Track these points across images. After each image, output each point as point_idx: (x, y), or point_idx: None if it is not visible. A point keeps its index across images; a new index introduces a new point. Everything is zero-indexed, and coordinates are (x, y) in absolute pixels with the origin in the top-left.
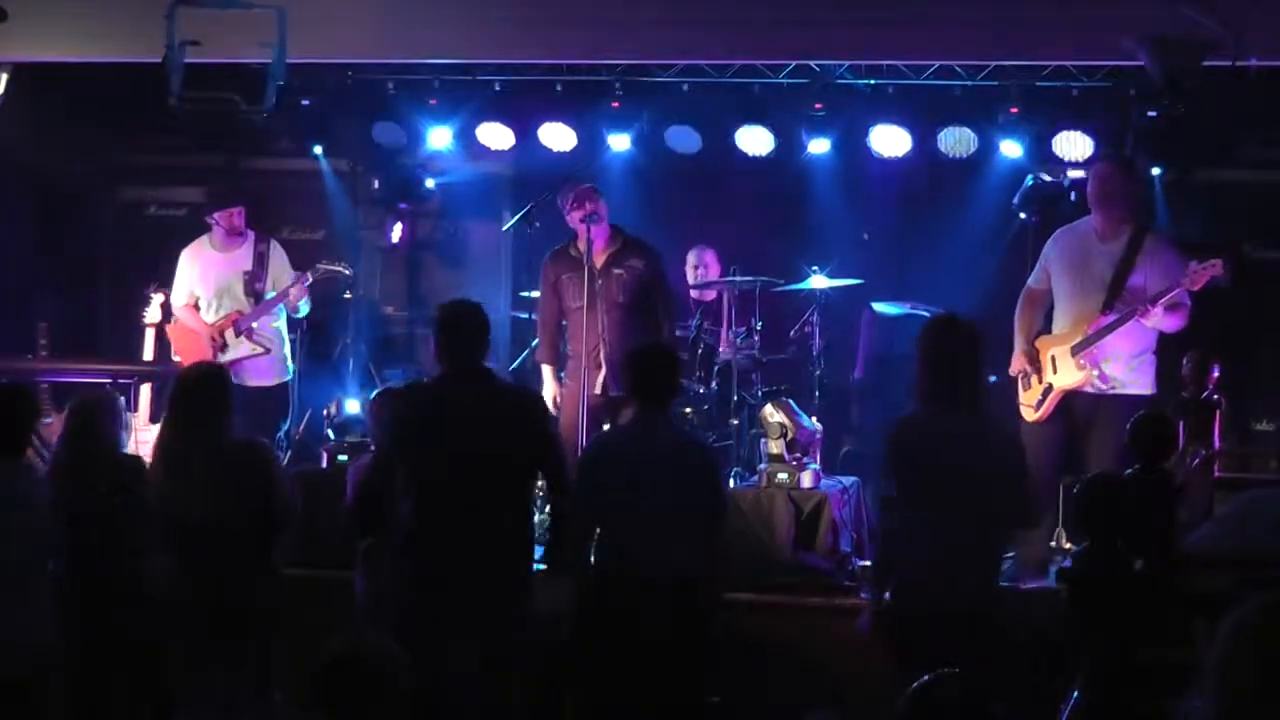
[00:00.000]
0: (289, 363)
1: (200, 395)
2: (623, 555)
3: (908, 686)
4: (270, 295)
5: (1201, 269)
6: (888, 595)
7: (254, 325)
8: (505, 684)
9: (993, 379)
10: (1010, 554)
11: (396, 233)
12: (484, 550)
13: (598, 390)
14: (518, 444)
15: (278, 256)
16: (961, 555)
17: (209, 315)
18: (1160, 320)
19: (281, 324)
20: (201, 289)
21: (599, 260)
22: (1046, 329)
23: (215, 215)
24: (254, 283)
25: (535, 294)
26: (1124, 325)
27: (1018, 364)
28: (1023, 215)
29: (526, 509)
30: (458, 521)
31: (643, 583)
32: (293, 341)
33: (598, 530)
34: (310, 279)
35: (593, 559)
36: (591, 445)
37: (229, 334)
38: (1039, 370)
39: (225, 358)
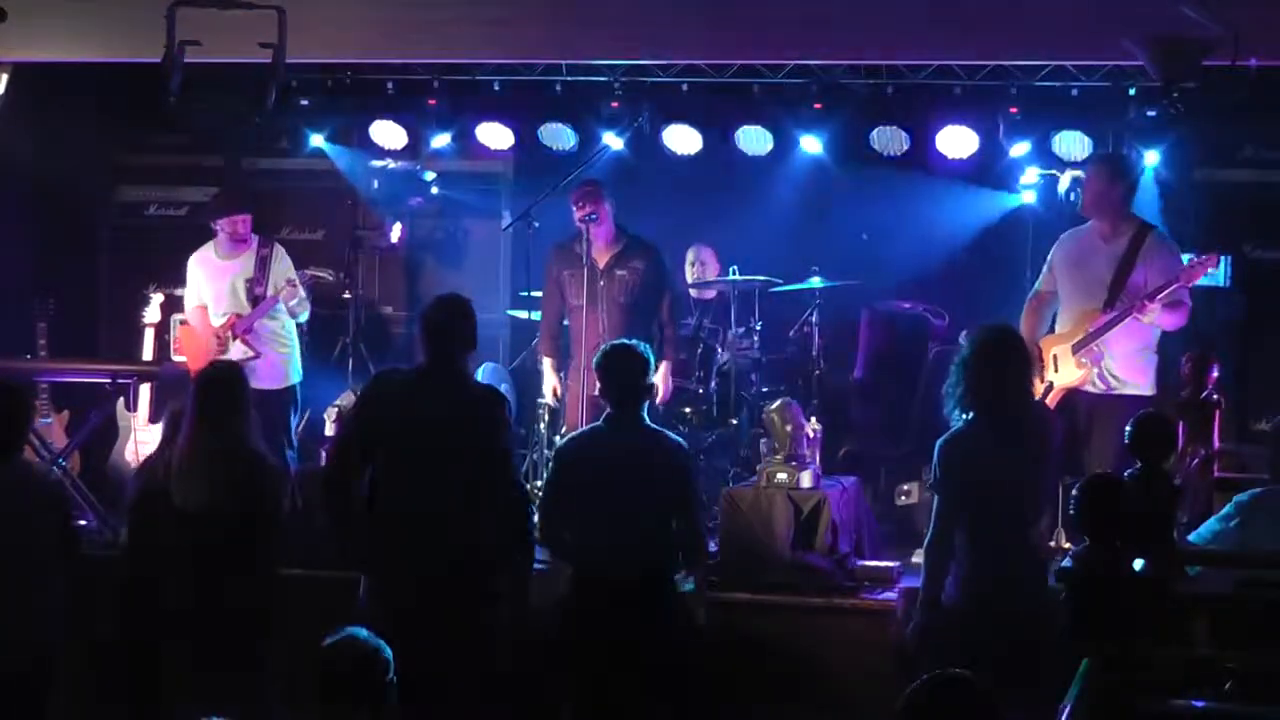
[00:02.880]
0: (298, 366)
1: (215, 394)
2: (593, 554)
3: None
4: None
5: (1198, 263)
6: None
7: (252, 327)
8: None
9: None
10: None
11: (396, 233)
12: (437, 544)
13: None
14: (471, 441)
15: (280, 261)
16: (1020, 557)
17: (216, 320)
18: (1158, 316)
19: (289, 327)
20: (207, 294)
21: (601, 260)
22: (1051, 331)
23: (219, 221)
24: (255, 287)
25: (535, 294)
26: (1123, 322)
27: None
28: (1025, 201)
29: (483, 506)
30: (410, 513)
31: (612, 581)
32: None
33: (569, 529)
34: (298, 282)
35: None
36: (561, 446)
37: (227, 336)
38: (1040, 369)
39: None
